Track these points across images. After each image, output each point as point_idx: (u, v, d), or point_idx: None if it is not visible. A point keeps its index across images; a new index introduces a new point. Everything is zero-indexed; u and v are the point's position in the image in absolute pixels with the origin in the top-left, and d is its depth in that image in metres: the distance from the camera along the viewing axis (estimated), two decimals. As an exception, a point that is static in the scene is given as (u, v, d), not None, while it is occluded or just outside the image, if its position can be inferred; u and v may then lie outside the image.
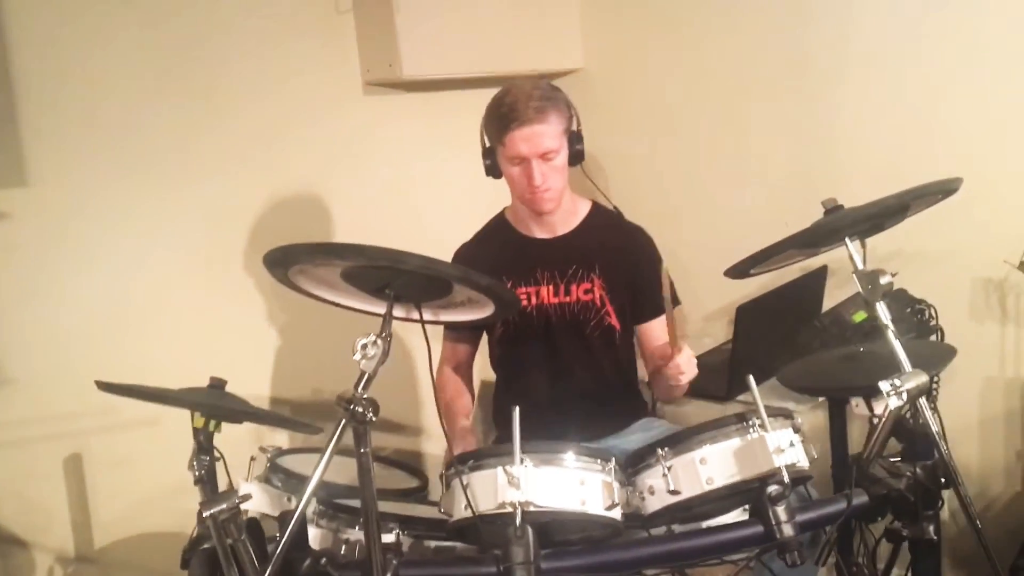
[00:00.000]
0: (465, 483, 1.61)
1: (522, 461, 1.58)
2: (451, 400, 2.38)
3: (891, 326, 1.64)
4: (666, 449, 1.66)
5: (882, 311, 1.65)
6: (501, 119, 2.18)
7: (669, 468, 1.65)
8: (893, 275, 1.65)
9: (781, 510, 1.61)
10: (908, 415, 1.70)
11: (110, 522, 2.62)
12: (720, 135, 3.06)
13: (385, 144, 3.10)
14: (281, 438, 2.81)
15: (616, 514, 1.63)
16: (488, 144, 2.29)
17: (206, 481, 1.85)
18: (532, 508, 1.56)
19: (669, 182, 3.22)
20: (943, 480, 1.70)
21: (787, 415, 1.70)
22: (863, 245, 1.73)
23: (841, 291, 2.65)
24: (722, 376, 2.59)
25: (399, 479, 2.31)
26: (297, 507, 1.56)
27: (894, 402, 1.59)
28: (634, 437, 2.37)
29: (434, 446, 3.19)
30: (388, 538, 1.78)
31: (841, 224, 1.65)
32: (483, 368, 2.58)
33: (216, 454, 1.86)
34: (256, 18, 2.81)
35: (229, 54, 2.77)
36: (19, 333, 2.47)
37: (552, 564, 1.61)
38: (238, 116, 2.79)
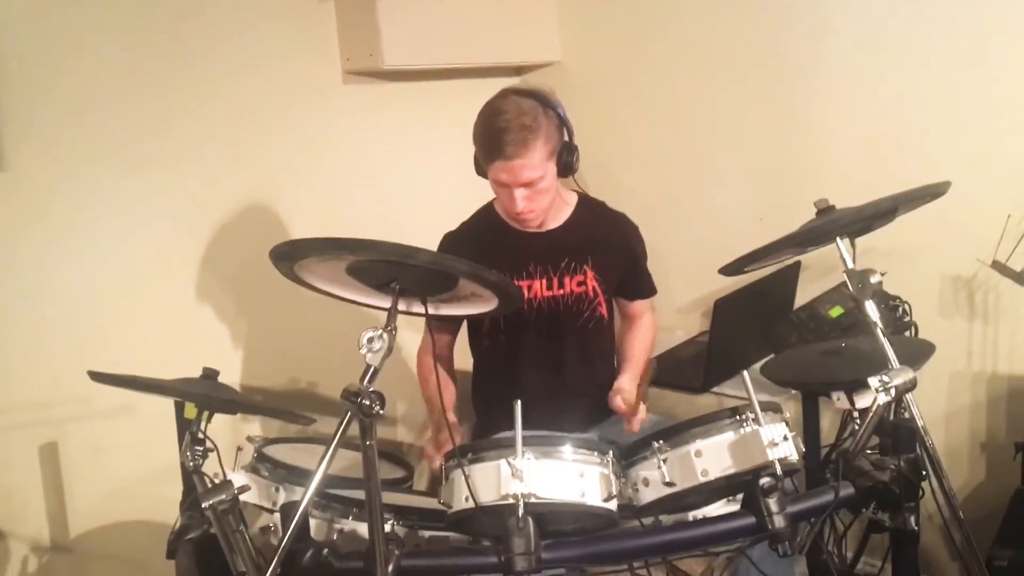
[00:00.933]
0: (467, 474, 1.64)
1: (524, 454, 1.61)
2: (435, 392, 2.39)
3: (880, 324, 1.69)
4: (661, 442, 1.70)
5: (871, 309, 1.70)
6: (485, 145, 2.20)
7: (664, 460, 1.68)
8: (882, 274, 1.70)
9: (773, 502, 1.66)
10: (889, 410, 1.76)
11: (86, 511, 2.59)
12: (696, 129, 3.11)
13: (365, 132, 3.10)
14: (257, 428, 2.81)
15: (613, 505, 1.67)
16: (476, 151, 2.29)
17: (200, 473, 1.84)
18: (534, 500, 1.59)
19: (645, 175, 3.26)
20: (924, 473, 1.77)
21: (777, 409, 1.75)
22: (852, 245, 1.78)
23: (812, 285, 2.72)
24: (698, 368, 2.65)
25: (384, 469, 2.32)
26: (302, 500, 1.57)
27: (883, 398, 1.65)
28: (617, 427, 2.41)
29: (410, 435, 3.21)
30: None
31: (835, 225, 1.70)
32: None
33: (209, 444, 1.85)
34: (235, 2, 2.78)
35: (208, 38, 2.74)
36: (-6, 320, 2.44)
37: (552, 554, 1.64)
38: (217, 100, 2.77)
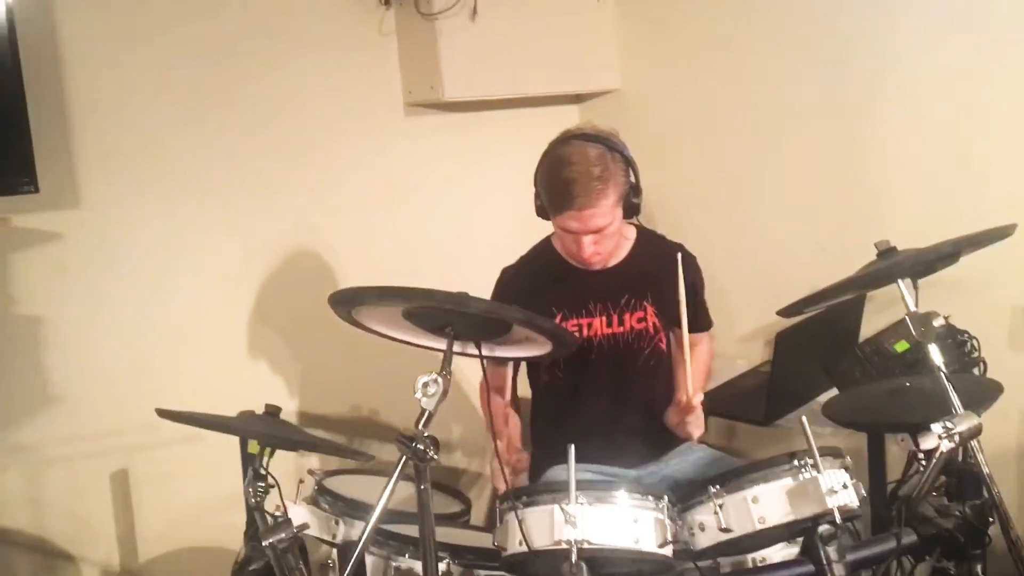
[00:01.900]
0: (520, 518, 1.64)
1: (577, 499, 1.61)
2: (502, 429, 2.39)
3: (944, 369, 1.65)
4: (718, 487, 1.68)
5: (935, 354, 1.66)
6: (554, 195, 2.16)
7: (720, 506, 1.67)
8: (946, 317, 1.67)
9: (832, 550, 1.63)
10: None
11: (154, 537, 2.67)
12: (757, 157, 3.06)
13: (427, 162, 3.14)
14: (318, 460, 2.84)
15: (668, 551, 1.66)
16: (539, 195, 2.27)
17: (262, 509, 1.87)
18: (587, 545, 1.59)
19: (706, 203, 3.23)
20: (991, 520, 1.72)
21: (837, 454, 1.72)
22: (915, 286, 1.74)
23: (878, 316, 2.66)
24: (760, 400, 2.61)
25: (441, 503, 2.33)
26: (360, 539, 1.59)
27: (946, 445, 1.61)
28: (674, 462, 2.38)
29: (476, 464, 3.22)
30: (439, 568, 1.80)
31: (897, 268, 1.67)
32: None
33: (271, 481, 1.89)
34: (300, 38, 2.85)
35: (273, 72, 2.81)
36: (67, 352, 2.53)
37: (606, 600, 1.63)
38: (282, 133, 2.84)
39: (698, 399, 2.16)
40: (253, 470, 1.88)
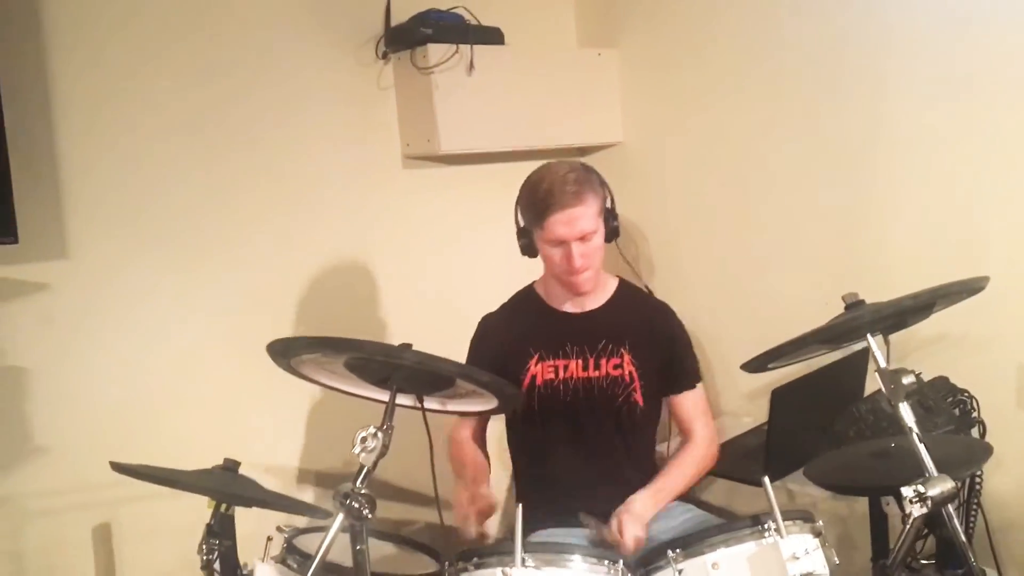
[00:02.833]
0: (468, 583, 1.58)
1: (524, 562, 1.54)
2: (462, 462, 2.35)
3: (915, 428, 1.56)
4: (677, 551, 1.62)
5: (905, 412, 1.58)
6: (538, 204, 2.21)
7: (680, 572, 1.60)
8: (917, 375, 1.58)
9: (796, 618, 1.54)
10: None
11: (138, 592, 2.62)
12: (761, 210, 3.00)
13: (424, 214, 3.12)
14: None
15: (623, 617, 1.58)
16: (524, 225, 2.31)
17: (215, 568, 1.82)
18: (533, 611, 1.52)
19: (709, 255, 3.17)
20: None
21: (807, 518, 1.64)
22: (886, 341, 1.66)
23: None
24: (759, 460, 2.52)
25: (412, 563, 2.25)
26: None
27: (917, 510, 1.52)
28: (658, 524, 2.29)
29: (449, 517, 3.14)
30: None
31: (861, 322, 1.59)
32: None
33: (227, 541, 1.84)
34: (299, 90, 2.86)
35: (271, 124, 2.81)
36: (50, 403, 2.50)
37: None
38: (278, 184, 2.83)
39: (630, 536, 1.98)
40: (208, 527, 1.84)
